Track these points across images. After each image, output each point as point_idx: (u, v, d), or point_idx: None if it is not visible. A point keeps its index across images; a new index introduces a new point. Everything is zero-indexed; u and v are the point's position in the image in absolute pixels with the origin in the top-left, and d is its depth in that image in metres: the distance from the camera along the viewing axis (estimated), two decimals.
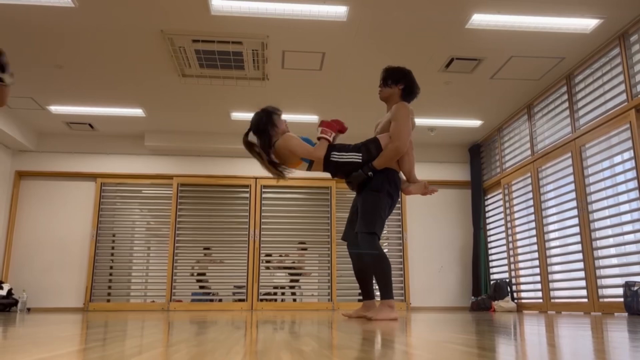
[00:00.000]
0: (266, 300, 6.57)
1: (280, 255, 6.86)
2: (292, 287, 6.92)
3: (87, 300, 6.34)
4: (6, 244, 6.44)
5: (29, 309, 6.07)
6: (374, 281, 3.25)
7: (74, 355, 1.12)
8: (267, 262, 6.76)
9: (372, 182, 3.13)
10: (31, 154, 6.69)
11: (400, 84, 3.29)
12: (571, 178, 4.90)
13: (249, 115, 6.02)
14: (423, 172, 7.01)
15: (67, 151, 6.77)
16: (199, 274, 6.77)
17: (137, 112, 6.02)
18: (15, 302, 5.90)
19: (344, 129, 3.32)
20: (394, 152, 3.11)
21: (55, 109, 5.90)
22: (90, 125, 6.44)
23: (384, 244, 7.24)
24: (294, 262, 6.88)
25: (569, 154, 4.94)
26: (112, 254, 6.67)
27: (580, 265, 4.71)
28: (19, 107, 5.85)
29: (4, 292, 5.89)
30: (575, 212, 4.81)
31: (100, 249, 6.59)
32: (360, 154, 3.15)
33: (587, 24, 4.14)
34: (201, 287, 6.70)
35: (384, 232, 7.19)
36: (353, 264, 3.35)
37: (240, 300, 6.52)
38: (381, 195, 3.12)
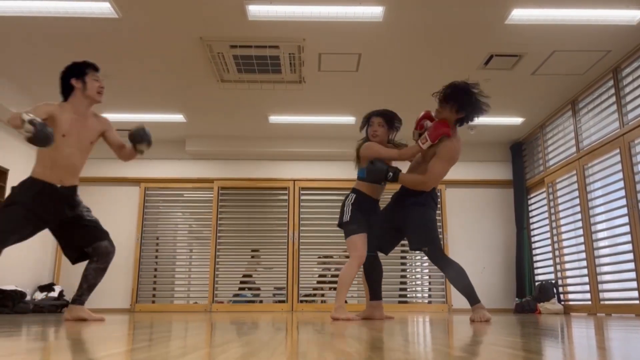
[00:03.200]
0: (306, 301, 6.61)
1: (319, 257, 6.89)
2: (328, 289, 6.92)
3: (133, 302, 6.53)
4: (57, 247, 6.71)
5: None
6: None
7: (126, 355, 1.16)
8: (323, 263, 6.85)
9: (417, 197, 3.22)
10: None
11: (461, 111, 3.09)
12: (620, 175, 4.72)
13: (286, 119, 6.18)
14: (464, 171, 6.94)
15: (112, 157, 6.92)
16: (244, 276, 6.87)
17: (178, 117, 6.16)
18: (67, 304, 6.13)
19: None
20: (419, 184, 3.18)
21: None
22: None
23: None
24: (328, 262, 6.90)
25: (617, 150, 4.76)
26: (156, 257, 6.84)
27: (632, 265, 4.52)
28: None
29: (55, 294, 6.14)
30: (625, 210, 4.62)
31: (145, 252, 6.78)
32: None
33: (633, 15, 3.98)
34: (246, 289, 6.79)
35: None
36: (371, 271, 3.48)
37: (280, 301, 6.58)
38: (427, 208, 3.23)
